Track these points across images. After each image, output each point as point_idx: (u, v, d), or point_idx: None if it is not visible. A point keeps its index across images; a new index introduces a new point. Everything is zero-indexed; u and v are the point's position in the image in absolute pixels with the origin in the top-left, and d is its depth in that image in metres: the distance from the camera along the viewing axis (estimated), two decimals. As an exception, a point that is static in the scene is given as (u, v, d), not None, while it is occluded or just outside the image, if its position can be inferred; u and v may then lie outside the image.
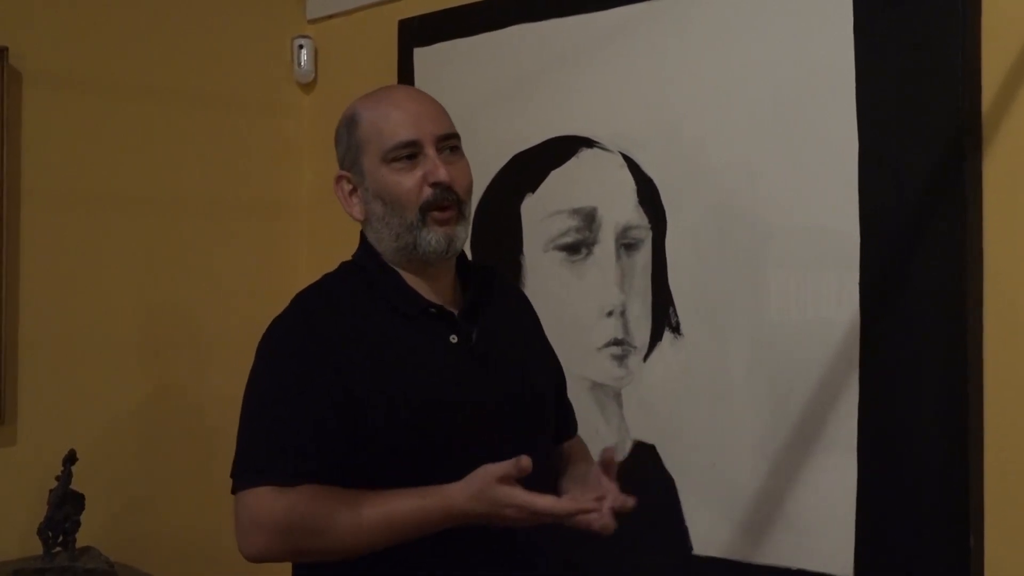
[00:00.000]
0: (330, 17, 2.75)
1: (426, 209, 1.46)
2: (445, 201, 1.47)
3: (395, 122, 1.48)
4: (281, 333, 1.48)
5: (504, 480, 1.31)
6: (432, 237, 1.47)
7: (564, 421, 1.69)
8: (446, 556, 1.41)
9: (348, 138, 1.53)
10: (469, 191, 1.53)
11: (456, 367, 1.47)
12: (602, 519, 1.34)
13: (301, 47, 2.74)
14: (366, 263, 1.54)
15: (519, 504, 1.31)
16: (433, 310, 1.49)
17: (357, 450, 1.41)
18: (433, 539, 1.37)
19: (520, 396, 1.52)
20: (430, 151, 1.47)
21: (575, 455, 1.66)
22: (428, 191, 1.46)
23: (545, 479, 1.46)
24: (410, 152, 1.47)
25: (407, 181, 1.47)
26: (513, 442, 1.40)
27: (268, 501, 1.37)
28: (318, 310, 1.49)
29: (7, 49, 2.23)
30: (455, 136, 1.52)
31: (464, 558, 1.42)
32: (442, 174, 1.46)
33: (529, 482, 1.38)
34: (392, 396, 1.42)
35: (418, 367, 1.46)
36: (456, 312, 1.52)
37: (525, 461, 1.30)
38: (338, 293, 1.52)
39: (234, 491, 1.42)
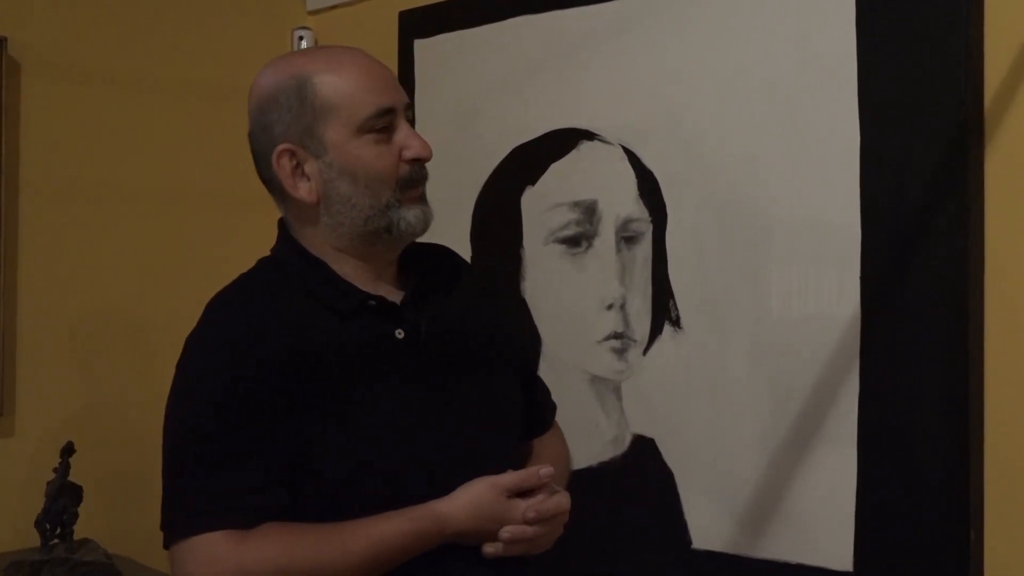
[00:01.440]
0: (330, 8, 2.73)
1: (402, 186, 1.31)
2: (422, 178, 1.34)
3: (367, 86, 1.30)
4: (201, 350, 1.30)
5: (511, 493, 1.24)
6: (411, 215, 1.31)
7: (537, 411, 1.54)
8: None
9: (299, 103, 1.30)
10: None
11: (405, 368, 1.31)
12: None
13: (301, 38, 2.73)
14: (287, 257, 1.36)
15: (519, 517, 1.24)
16: (373, 302, 1.32)
17: (302, 479, 1.24)
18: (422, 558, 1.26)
19: (482, 393, 1.38)
20: (402, 121, 1.32)
21: (543, 454, 1.51)
22: (405, 167, 1.31)
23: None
24: (387, 122, 1.30)
25: (387, 155, 1.30)
26: (478, 449, 1.31)
27: (229, 550, 1.18)
28: (240, 318, 1.30)
29: (6, 39, 2.22)
30: (412, 106, 1.38)
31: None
32: (423, 149, 1.31)
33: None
34: (332, 412, 1.24)
35: (362, 374, 1.28)
36: (399, 301, 1.35)
37: (540, 471, 1.23)
38: (258, 296, 1.33)
39: (171, 543, 1.23)
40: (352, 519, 1.24)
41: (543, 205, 2.20)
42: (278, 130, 1.33)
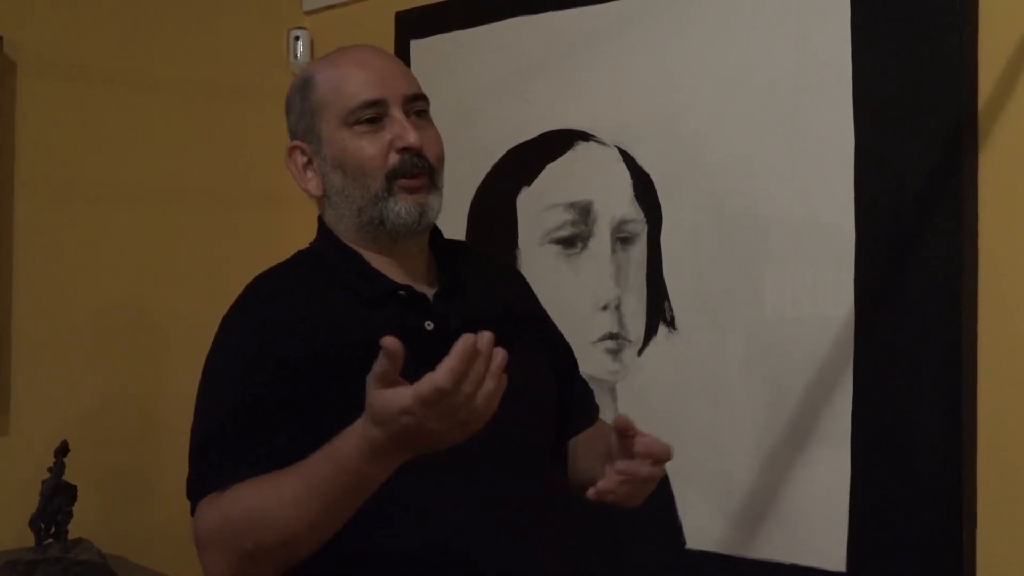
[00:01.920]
0: (326, 8, 2.74)
1: (393, 177, 1.31)
2: (415, 168, 1.31)
3: (357, 81, 1.32)
4: (234, 326, 1.33)
5: (382, 383, 1.07)
6: (401, 207, 1.31)
7: (578, 412, 1.51)
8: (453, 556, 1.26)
9: (301, 103, 1.36)
10: (441, 159, 1.37)
11: (432, 360, 1.24)
12: (622, 487, 1.21)
13: (297, 39, 2.73)
14: (323, 248, 1.38)
15: (409, 402, 1.05)
16: (402, 292, 1.32)
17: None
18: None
19: (512, 388, 1.30)
20: (396, 112, 1.32)
21: (591, 436, 1.46)
22: (395, 157, 1.31)
23: (547, 490, 1.34)
24: (375, 113, 1.31)
25: (371, 146, 1.31)
26: (503, 441, 1.26)
27: (206, 512, 1.22)
28: (274, 299, 1.32)
29: (2, 38, 2.22)
30: (424, 99, 1.36)
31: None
32: (411, 137, 1.30)
33: (529, 494, 1.28)
34: (353, 398, 1.17)
35: None
36: (431, 295, 1.35)
37: (389, 340, 1.06)
38: (291, 280, 1.35)
39: (191, 503, 1.27)
40: (370, 507, 1.19)
41: (539, 206, 2.21)
42: (291, 129, 1.40)
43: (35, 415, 2.27)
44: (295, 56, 2.73)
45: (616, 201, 2.09)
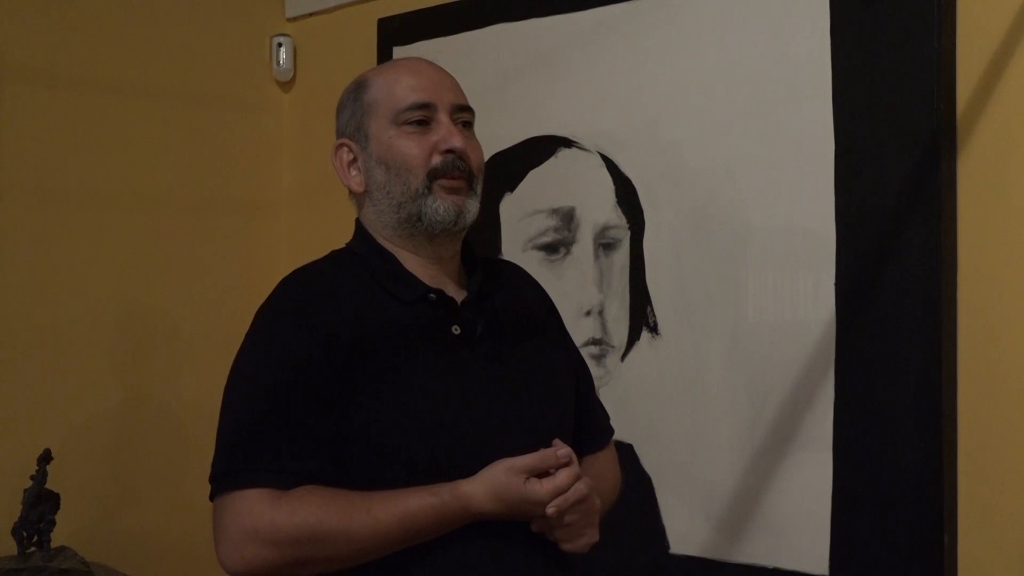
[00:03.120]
0: (309, 15, 2.74)
1: (434, 176, 1.36)
2: (456, 170, 1.36)
3: (409, 85, 1.39)
4: (269, 319, 1.36)
5: (527, 474, 1.25)
6: (440, 205, 1.35)
7: (591, 429, 1.53)
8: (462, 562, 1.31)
9: (353, 103, 1.42)
10: (481, 169, 1.42)
11: (458, 362, 1.35)
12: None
13: (280, 45, 2.73)
14: (360, 248, 1.42)
15: (541, 500, 1.24)
16: (433, 295, 1.37)
17: (348, 452, 1.29)
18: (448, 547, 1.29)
19: (533, 396, 1.40)
20: (444, 118, 1.38)
21: (588, 472, 1.44)
22: (438, 158, 1.36)
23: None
24: (423, 116, 1.37)
25: (416, 146, 1.36)
26: (518, 450, 1.30)
27: (264, 507, 1.24)
28: (309, 294, 1.36)
29: (-17, 45, 2.22)
30: (471, 111, 1.43)
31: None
32: (456, 141, 1.36)
33: None
34: (384, 393, 1.30)
35: (414, 360, 1.33)
36: (460, 300, 1.40)
37: (557, 451, 1.26)
38: (328, 277, 1.39)
39: (215, 495, 1.28)
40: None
41: (521, 212, 2.21)
42: (340, 128, 1.45)
43: (16, 423, 2.26)
44: (278, 63, 2.73)
45: (599, 207, 2.09)
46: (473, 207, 1.40)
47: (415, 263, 1.40)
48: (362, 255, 1.41)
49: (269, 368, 1.32)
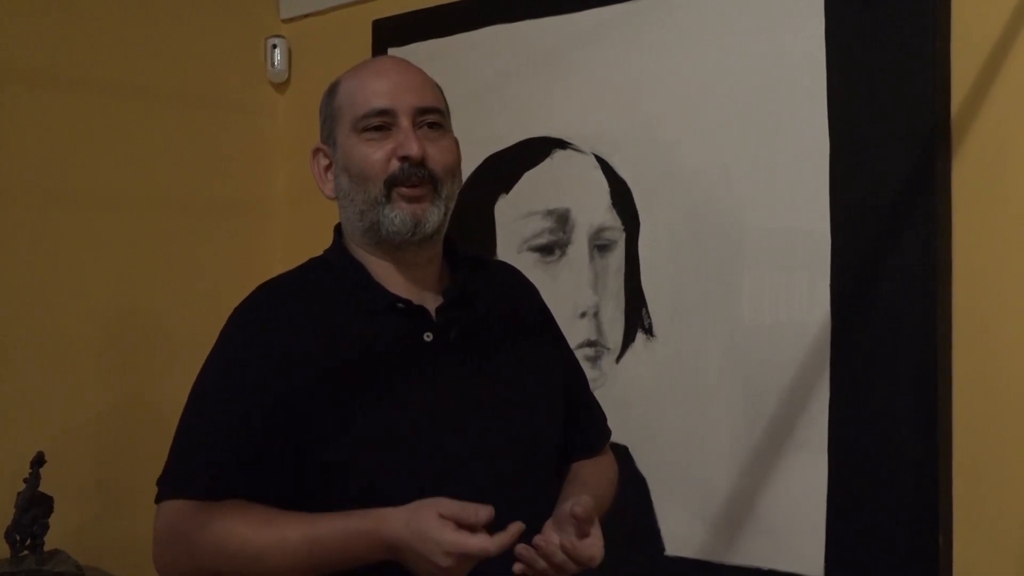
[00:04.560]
0: (304, 17, 2.73)
1: (392, 184, 1.32)
2: (414, 177, 1.32)
3: (370, 90, 1.35)
4: (231, 335, 1.35)
5: (449, 519, 1.15)
6: (396, 215, 1.32)
7: (586, 430, 1.51)
8: None
9: (326, 108, 1.41)
10: (450, 170, 1.38)
11: (429, 370, 1.31)
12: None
13: (275, 47, 2.73)
14: (332, 257, 1.41)
15: (455, 551, 1.13)
16: (401, 305, 1.34)
17: (304, 473, 1.27)
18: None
19: (512, 401, 1.36)
20: (404, 122, 1.34)
21: (582, 476, 1.44)
22: (395, 164, 1.32)
23: (543, 512, 1.32)
24: (381, 122, 1.33)
25: (375, 153, 1.33)
26: (496, 457, 1.29)
27: (184, 515, 1.26)
28: (272, 313, 1.34)
29: (-23, 46, 2.21)
30: (437, 111, 1.38)
31: None
32: (412, 148, 1.32)
33: (520, 506, 1.24)
34: (344, 409, 1.27)
35: (380, 373, 1.29)
36: (434, 308, 1.36)
37: (479, 510, 1.14)
38: (296, 291, 1.38)
39: (156, 500, 1.31)
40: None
41: (516, 213, 2.21)
42: (321, 133, 1.43)
43: (10, 426, 2.25)
44: (272, 64, 2.72)
45: (594, 208, 2.09)
46: (434, 215, 1.35)
47: (388, 270, 1.37)
48: (334, 264, 1.40)
49: (231, 385, 1.31)
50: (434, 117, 1.38)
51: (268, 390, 1.28)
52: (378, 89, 1.36)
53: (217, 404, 1.31)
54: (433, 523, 1.15)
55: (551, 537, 1.25)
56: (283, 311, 1.34)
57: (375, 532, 1.19)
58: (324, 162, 1.41)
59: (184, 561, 1.26)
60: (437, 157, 1.35)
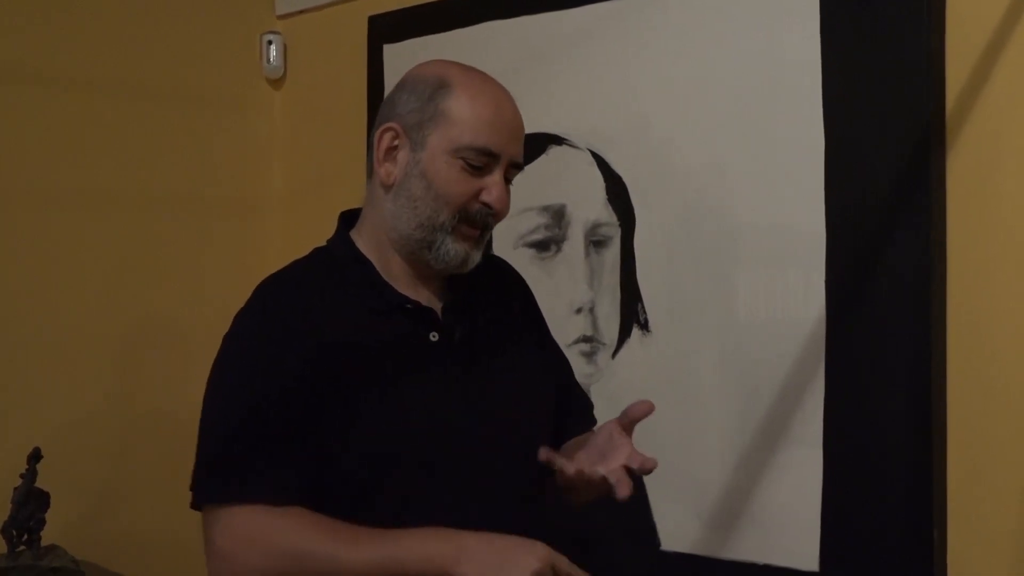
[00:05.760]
0: (299, 13, 2.73)
1: (462, 218, 1.34)
2: (482, 223, 1.36)
3: (488, 124, 1.34)
4: (250, 329, 1.34)
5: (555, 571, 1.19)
6: (452, 248, 1.34)
7: (577, 418, 1.55)
8: None
9: (428, 100, 1.35)
10: (503, 218, 1.42)
11: (433, 369, 1.34)
12: (620, 486, 1.25)
13: (270, 43, 2.73)
14: (338, 251, 1.41)
15: (546, 555, 1.19)
16: (409, 306, 1.36)
17: (324, 467, 1.28)
18: None
19: (512, 400, 1.39)
20: (498, 173, 1.35)
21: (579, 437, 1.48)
22: (476, 205, 1.34)
23: (539, 501, 1.36)
24: (482, 162, 1.34)
25: (465, 185, 1.33)
26: (502, 458, 1.31)
27: (262, 524, 1.24)
28: (289, 305, 1.34)
29: (-29, 43, 2.21)
30: (522, 167, 1.41)
31: None
32: (501, 202, 1.35)
33: (519, 505, 1.30)
34: (351, 403, 1.29)
35: (390, 372, 1.31)
36: (439, 308, 1.38)
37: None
38: (306, 286, 1.37)
39: (204, 504, 1.28)
40: (366, 513, 1.25)
41: (512, 209, 2.19)
42: (399, 109, 1.37)
43: (7, 421, 2.25)
44: (268, 60, 2.72)
45: (589, 204, 2.10)
46: (478, 256, 1.38)
47: (397, 267, 1.38)
48: (339, 259, 1.40)
49: (253, 379, 1.30)
50: (517, 173, 1.40)
51: (297, 388, 1.28)
52: (495, 127, 1.34)
53: (256, 403, 1.28)
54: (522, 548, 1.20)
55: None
56: (292, 306, 1.34)
57: (454, 556, 1.20)
58: (391, 143, 1.37)
59: (259, 562, 1.23)
60: (505, 212, 1.38)
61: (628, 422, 1.31)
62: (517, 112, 1.40)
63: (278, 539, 1.23)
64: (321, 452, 1.28)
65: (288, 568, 1.23)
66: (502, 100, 1.38)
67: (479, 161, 1.33)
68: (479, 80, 1.39)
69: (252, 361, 1.32)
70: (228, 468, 1.28)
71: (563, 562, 1.21)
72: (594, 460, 1.30)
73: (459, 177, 1.33)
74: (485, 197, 1.34)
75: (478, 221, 1.35)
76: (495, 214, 1.36)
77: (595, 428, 1.40)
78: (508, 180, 1.39)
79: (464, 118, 1.33)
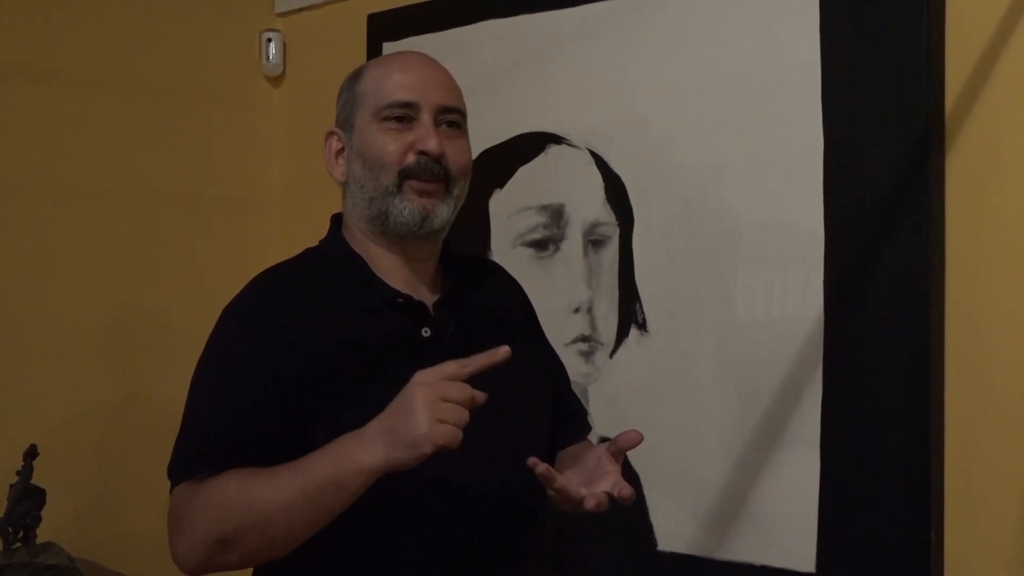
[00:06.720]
0: (299, 11, 2.73)
1: (405, 175, 1.34)
2: (428, 172, 1.34)
3: (396, 81, 1.37)
4: (236, 322, 1.35)
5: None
6: (405, 207, 1.34)
7: (573, 422, 1.55)
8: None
9: (348, 92, 1.42)
10: (463, 171, 1.40)
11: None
12: (595, 499, 1.23)
13: (270, 41, 2.72)
14: (330, 249, 1.42)
15: (428, 377, 1.15)
16: (401, 300, 1.36)
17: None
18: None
19: (506, 399, 1.32)
20: (426, 118, 1.36)
21: (572, 452, 1.48)
22: (412, 157, 1.34)
23: (537, 501, 1.36)
24: (404, 114, 1.35)
25: (393, 143, 1.35)
26: (496, 453, 1.30)
27: (186, 494, 1.25)
28: (277, 301, 1.35)
29: (-30, 39, 2.20)
30: (459, 112, 1.41)
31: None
32: (432, 143, 1.34)
33: (517, 507, 1.30)
34: (340, 398, 1.28)
35: (380, 368, 1.30)
36: (431, 303, 1.38)
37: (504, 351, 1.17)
38: (293, 282, 1.38)
39: (172, 485, 1.30)
40: (357, 510, 1.22)
41: (510, 208, 2.21)
42: (337, 117, 1.45)
43: (3, 418, 2.25)
44: (267, 58, 2.72)
45: (588, 204, 2.09)
46: (443, 211, 1.37)
47: (389, 261, 1.39)
48: (331, 257, 1.41)
49: (232, 373, 1.31)
50: (455, 117, 1.41)
51: (267, 378, 1.28)
52: (405, 81, 1.37)
53: (218, 392, 1.31)
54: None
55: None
56: (281, 301, 1.35)
57: (359, 437, 1.18)
58: (337, 146, 1.42)
59: (192, 537, 1.23)
60: (454, 156, 1.38)
61: (617, 450, 1.30)
62: (434, 66, 1.43)
63: (193, 502, 1.23)
64: (309, 448, 1.25)
65: (225, 520, 1.21)
66: (411, 60, 1.43)
67: (399, 113, 1.35)
68: (390, 55, 1.46)
69: (225, 352, 1.33)
70: (178, 452, 1.31)
71: (448, 367, 1.18)
72: (582, 480, 1.29)
73: (387, 137, 1.35)
74: (419, 146, 1.35)
75: (424, 172, 1.35)
76: (439, 160, 1.35)
77: (588, 451, 1.38)
78: (454, 126, 1.39)
79: (376, 85, 1.38)
